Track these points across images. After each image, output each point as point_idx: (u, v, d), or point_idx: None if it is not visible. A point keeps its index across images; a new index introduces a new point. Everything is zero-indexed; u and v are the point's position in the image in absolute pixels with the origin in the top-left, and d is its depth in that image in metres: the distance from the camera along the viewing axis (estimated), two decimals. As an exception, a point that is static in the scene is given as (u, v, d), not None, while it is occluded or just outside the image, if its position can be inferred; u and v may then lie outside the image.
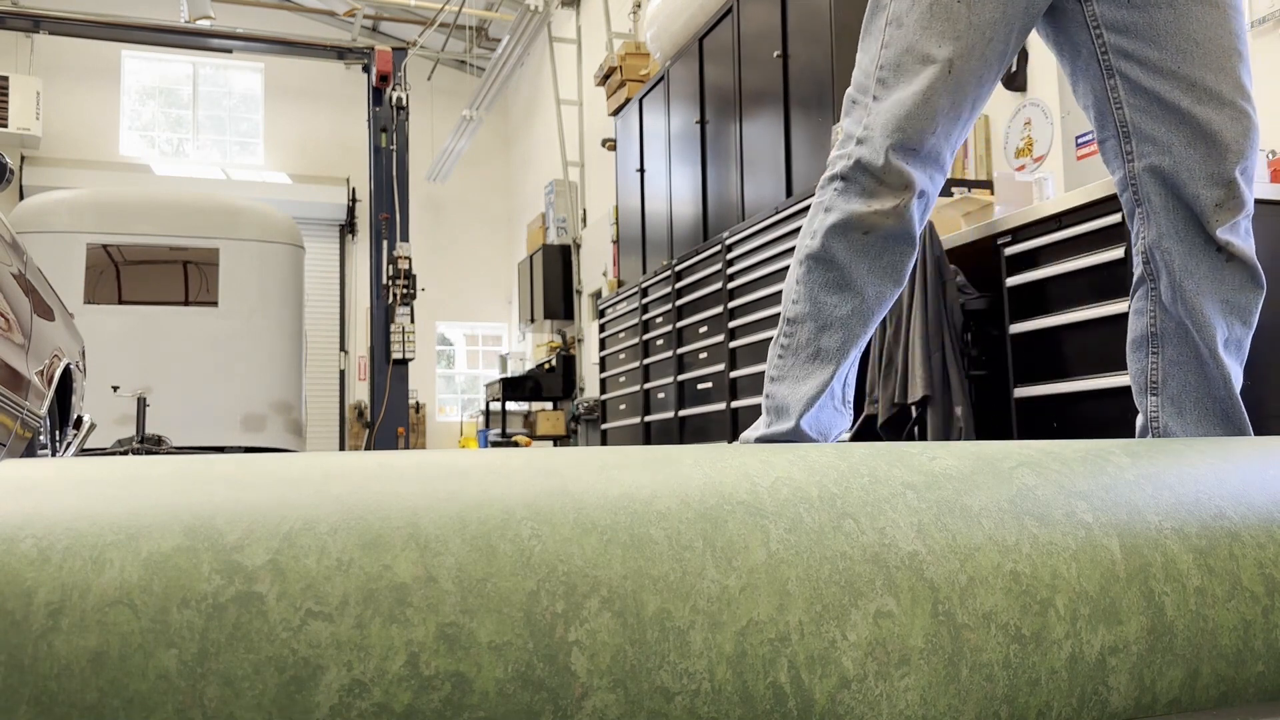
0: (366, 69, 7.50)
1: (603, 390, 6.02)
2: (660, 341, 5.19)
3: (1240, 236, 1.29)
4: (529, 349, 9.84)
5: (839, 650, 0.54)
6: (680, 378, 4.91)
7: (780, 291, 3.96)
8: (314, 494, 0.51)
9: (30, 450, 2.69)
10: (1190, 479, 0.69)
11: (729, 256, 4.41)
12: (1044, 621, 0.59)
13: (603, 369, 6.03)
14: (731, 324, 4.36)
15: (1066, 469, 0.67)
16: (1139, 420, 1.35)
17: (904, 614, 0.56)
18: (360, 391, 10.35)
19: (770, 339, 4.05)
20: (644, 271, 5.80)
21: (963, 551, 0.59)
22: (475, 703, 0.47)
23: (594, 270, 8.14)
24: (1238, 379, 1.32)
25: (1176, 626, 0.61)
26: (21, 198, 8.60)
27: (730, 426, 4.39)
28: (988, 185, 3.71)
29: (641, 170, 6.04)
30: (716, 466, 0.61)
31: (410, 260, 7.08)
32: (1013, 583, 0.59)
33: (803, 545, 0.56)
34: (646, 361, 5.36)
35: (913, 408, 2.87)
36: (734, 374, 4.34)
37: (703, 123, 5.16)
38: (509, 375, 9.03)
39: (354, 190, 10.71)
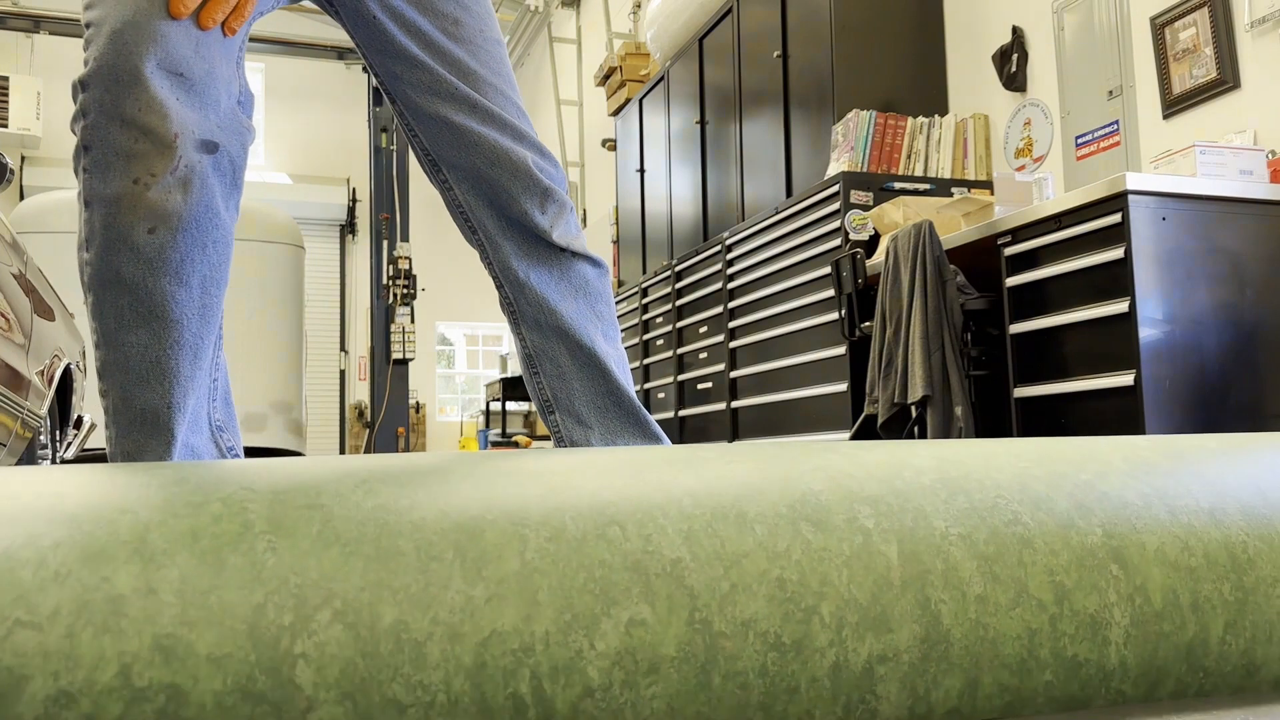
0: (367, 69, 7.50)
1: (603, 390, 6.02)
2: (660, 341, 5.19)
3: (575, 233, 1.29)
4: (529, 349, 9.83)
5: (585, 660, 0.53)
6: (680, 378, 4.91)
7: (781, 291, 3.97)
8: (45, 509, 0.52)
9: (30, 450, 2.69)
10: (991, 485, 0.67)
11: (729, 256, 4.41)
12: (806, 630, 0.58)
13: (603, 369, 6.03)
14: (731, 324, 4.36)
15: (861, 472, 0.66)
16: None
17: (658, 622, 0.55)
18: (360, 391, 10.35)
19: (771, 339, 4.07)
20: (644, 271, 5.80)
21: (729, 558, 0.58)
22: (192, 715, 0.47)
23: (594, 270, 8.14)
24: (622, 360, 1.31)
25: (953, 635, 0.60)
26: (22, 198, 8.60)
27: (730, 426, 4.39)
28: (987, 185, 3.71)
29: (641, 170, 6.04)
30: (489, 473, 0.60)
31: (410, 260, 7.08)
32: (777, 590, 0.58)
33: (561, 554, 0.55)
34: (646, 361, 5.36)
35: (912, 408, 2.87)
36: (734, 374, 4.34)
37: (703, 123, 5.16)
38: (509, 375, 9.03)
39: (354, 190, 10.71)
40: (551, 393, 1.28)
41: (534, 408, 1.34)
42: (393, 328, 6.98)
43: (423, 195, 7.85)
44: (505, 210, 1.24)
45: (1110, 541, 0.67)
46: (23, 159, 9.13)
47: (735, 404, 4.34)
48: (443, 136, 1.21)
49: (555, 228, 1.25)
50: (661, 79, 5.73)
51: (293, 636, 0.49)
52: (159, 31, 0.95)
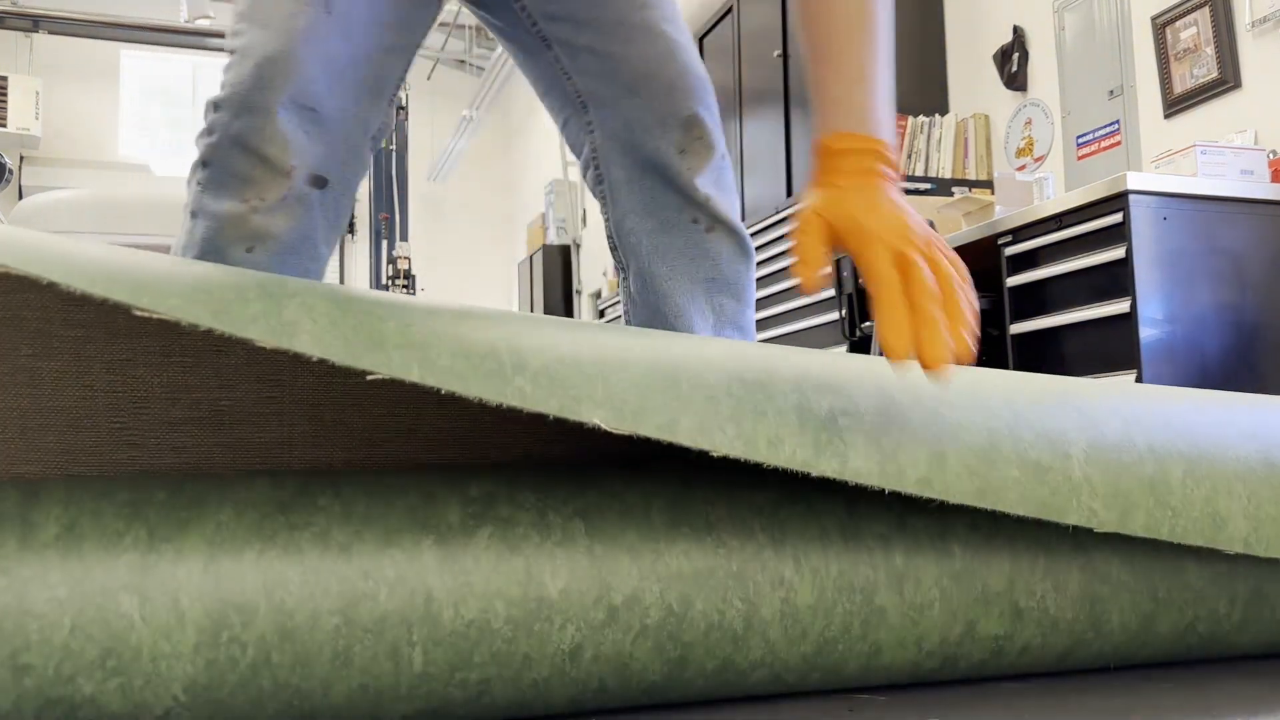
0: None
1: (602, 390, 6.00)
2: (660, 341, 5.19)
3: (724, 190, 1.12)
4: (529, 349, 9.84)
5: (557, 344, 0.56)
6: (680, 378, 4.91)
7: (781, 291, 3.96)
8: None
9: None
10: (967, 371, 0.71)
11: (729, 256, 4.40)
12: (768, 379, 0.59)
13: (602, 369, 6.01)
14: (731, 324, 4.35)
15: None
16: None
17: (622, 346, 0.58)
18: (360, 391, 10.33)
19: (771, 339, 4.05)
20: (644, 271, 5.79)
21: (695, 342, 0.63)
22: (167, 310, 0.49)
23: (594, 270, 8.13)
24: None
25: (911, 414, 0.61)
26: (21, 197, 8.59)
27: (730, 427, 4.38)
28: (988, 185, 3.71)
29: (641, 170, 6.03)
30: None
31: (410, 260, 7.08)
32: (738, 359, 0.61)
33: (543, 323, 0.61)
34: (646, 361, 5.35)
35: (913, 408, 2.87)
36: (734, 374, 4.34)
37: (703, 122, 5.15)
38: (509, 375, 9.02)
39: (354, 190, 10.70)
40: None
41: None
42: (392, 328, 6.97)
43: (423, 195, 7.86)
44: (638, 148, 1.11)
45: (1064, 388, 0.69)
46: (21, 159, 9.13)
47: (735, 404, 4.34)
48: (590, 68, 1.12)
49: (695, 171, 1.10)
50: (661, 79, 5.72)
51: (288, 296, 0.52)
52: (299, 68, 0.97)
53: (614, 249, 1.17)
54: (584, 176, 1.19)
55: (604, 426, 0.52)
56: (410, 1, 1.09)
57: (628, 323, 1.18)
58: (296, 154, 0.98)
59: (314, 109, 0.99)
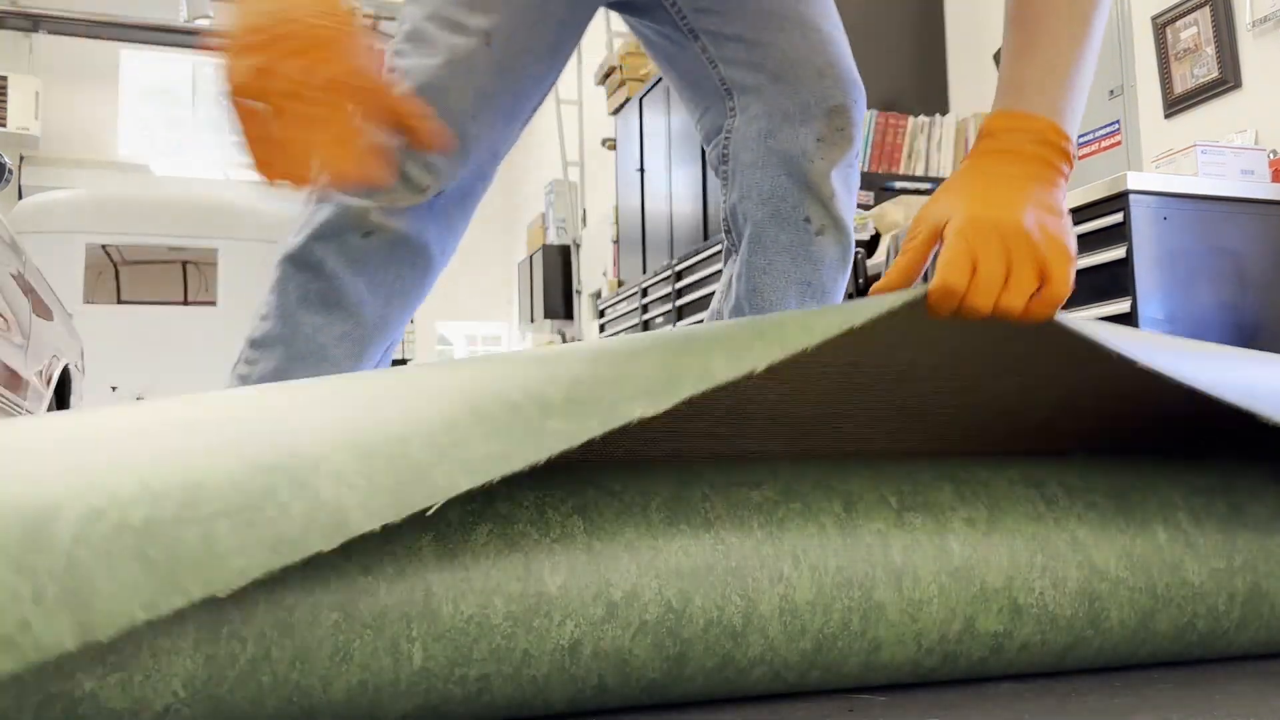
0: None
1: (602, 390, 6.00)
2: (660, 341, 5.18)
3: (849, 190, 1.11)
4: (529, 349, 9.83)
5: (569, 370, 0.56)
6: (680, 378, 4.90)
7: (780, 291, 3.96)
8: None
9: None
10: None
11: (729, 256, 4.40)
12: (777, 314, 0.61)
13: (602, 369, 6.01)
14: (731, 324, 4.35)
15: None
16: None
17: (620, 345, 0.59)
18: (360, 391, 10.32)
19: (770, 339, 4.05)
20: (644, 271, 5.79)
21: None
22: None
23: (594, 270, 8.13)
24: None
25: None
26: (20, 198, 8.59)
27: (730, 426, 4.37)
28: (988, 185, 3.71)
29: (641, 170, 6.03)
30: None
31: (410, 260, 7.08)
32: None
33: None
34: (646, 361, 5.35)
35: (913, 408, 2.87)
36: (734, 374, 4.33)
37: (703, 122, 5.15)
38: (509, 375, 9.01)
39: (354, 190, 10.69)
40: None
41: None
42: (392, 328, 6.97)
43: (422, 195, 7.85)
44: (775, 134, 1.09)
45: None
46: (21, 159, 9.13)
47: (735, 404, 4.33)
48: (737, 57, 1.12)
49: (830, 162, 1.08)
50: (661, 78, 5.73)
51: (315, 471, 0.51)
52: (454, 97, 1.02)
53: (728, 231, 1.17)
54: (708, 155, 1.19)
55: (648, 414, 0.52)
56: (562, 28, 1.11)
57: (719, 301, 1.18)
58: (435, 176, 1.03)
59: (460, 136, 1.02)
